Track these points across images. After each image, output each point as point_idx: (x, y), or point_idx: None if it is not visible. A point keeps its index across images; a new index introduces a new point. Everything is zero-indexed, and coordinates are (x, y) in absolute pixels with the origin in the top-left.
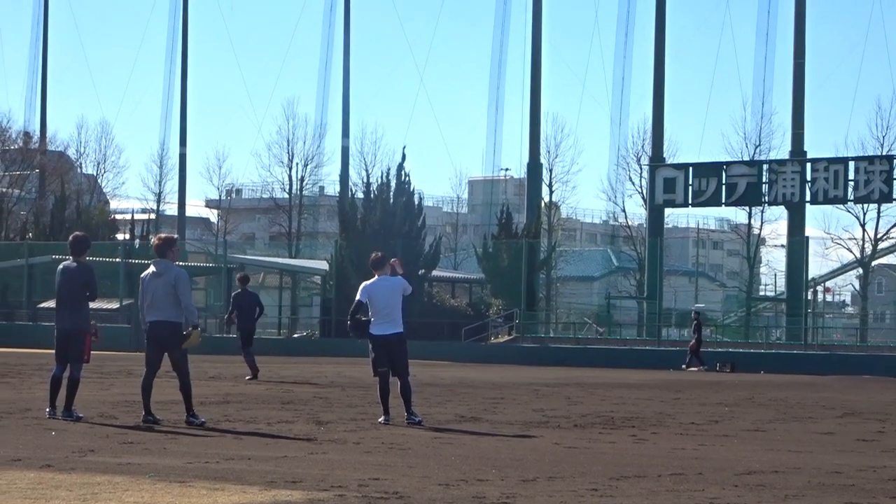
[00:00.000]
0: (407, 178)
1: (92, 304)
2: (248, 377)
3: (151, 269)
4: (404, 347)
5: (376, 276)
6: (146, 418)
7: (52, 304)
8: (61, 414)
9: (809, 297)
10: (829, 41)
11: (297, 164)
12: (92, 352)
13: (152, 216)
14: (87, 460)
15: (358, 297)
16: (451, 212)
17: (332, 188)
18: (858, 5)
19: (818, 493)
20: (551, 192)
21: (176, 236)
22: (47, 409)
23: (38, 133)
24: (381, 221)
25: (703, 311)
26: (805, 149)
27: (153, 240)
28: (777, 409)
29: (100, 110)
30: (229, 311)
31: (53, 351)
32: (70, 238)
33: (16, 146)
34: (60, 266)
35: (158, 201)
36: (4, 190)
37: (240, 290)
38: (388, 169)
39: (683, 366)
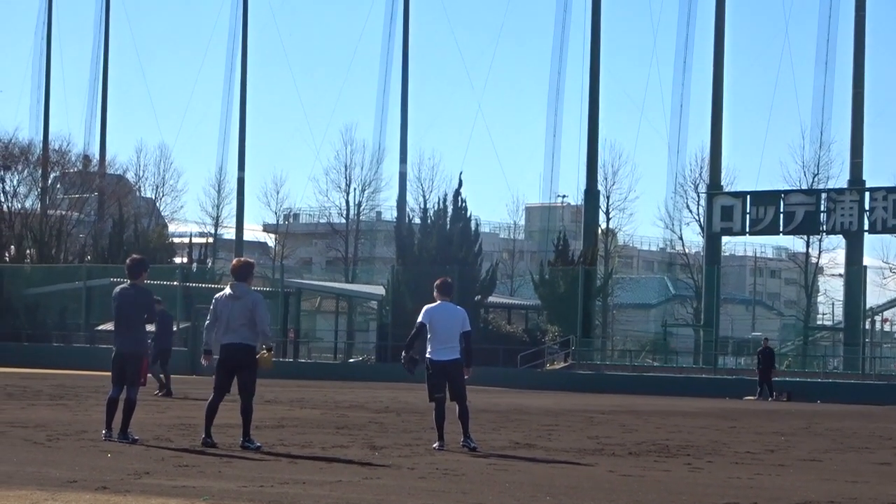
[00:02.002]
0: (464, 204)
1: (149, 328)
2: (159, 392)
3: (228, 291)
4: (462, 374)
5: (439, 301)
6: (205, 440)
7: (109, 326)
8: (117, 436)
9: (867, 327)
10: (889, 69)
11: (354, 189)
12: (149, 374)
13: (210, 240)
14: (142, 482)
15: (420, 318)
16: (507, 238)
17: (389, 213)
18: None
19: None
20: (608, 219)
21: (253, 261)
22: (104, 432)
23: (97, 156)
24: (438, 247)
25: (759, 340)
26: (864, 178)
27: (233, 262)
28: (833, 439)
29: (159, 134)
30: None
31: (110, 373)
32: (128, 261)
33: (75, 169)
34: (117, 289)
35: (216, 225)
36: (64, 213)
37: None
38: (445, 194)
39: (753, 397)
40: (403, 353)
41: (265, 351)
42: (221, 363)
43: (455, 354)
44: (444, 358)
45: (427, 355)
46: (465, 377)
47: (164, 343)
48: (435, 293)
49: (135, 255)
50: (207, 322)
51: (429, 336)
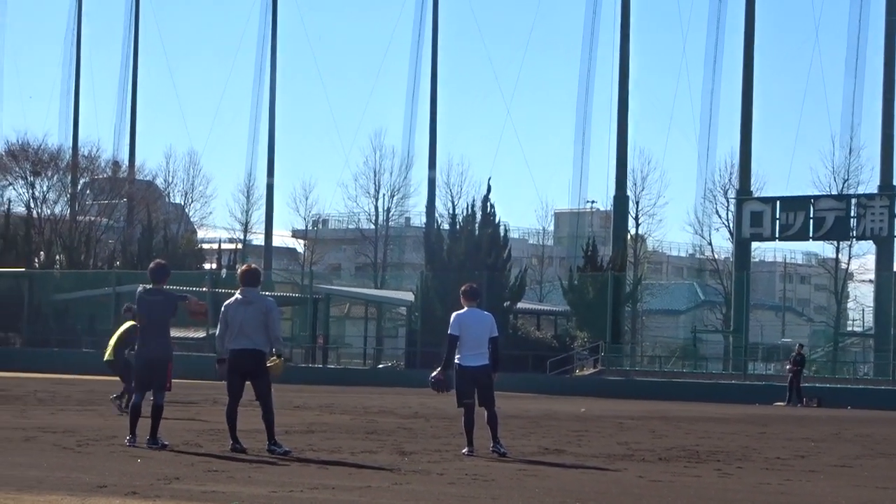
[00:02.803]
0: (492, 210)
1: (178, 333)
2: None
3: (238, 296)
4: (492, 379)
5: (467, 308)
6: (234, 446)
7: None
8: (147, 441)
9: None
10: None
11: (383, 195)
12: (179, 379)
13: (239, 246)
14: (171, 488)
15: (451, 331)
16: (536, 244)
17: (418, 219)
18: None
19: None
20: (637, 225)
21: (259, 268)
22: (127, 438)
23: (126, 162)
24: (467, 253)
25: (789, 346)
26: (894, 182)
27: (242, 268)
28: (864, 445)
29: (188, 140)
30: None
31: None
32: (151, 265)
33: (105, 175)
34: (142, 293)
35: (245, 231)
36: (93, 219)
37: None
38: (474, 200)
39: (782, 403)
40: (439, 370)
41: (276, 358)
42: (232, 368)
43: (484, 360)
44: (474, 364)
45: (456, 361)
46: (493, 380)
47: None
48: (462, 300)
49: (158, 260)
50: (218, 331)
51: (458, 343)
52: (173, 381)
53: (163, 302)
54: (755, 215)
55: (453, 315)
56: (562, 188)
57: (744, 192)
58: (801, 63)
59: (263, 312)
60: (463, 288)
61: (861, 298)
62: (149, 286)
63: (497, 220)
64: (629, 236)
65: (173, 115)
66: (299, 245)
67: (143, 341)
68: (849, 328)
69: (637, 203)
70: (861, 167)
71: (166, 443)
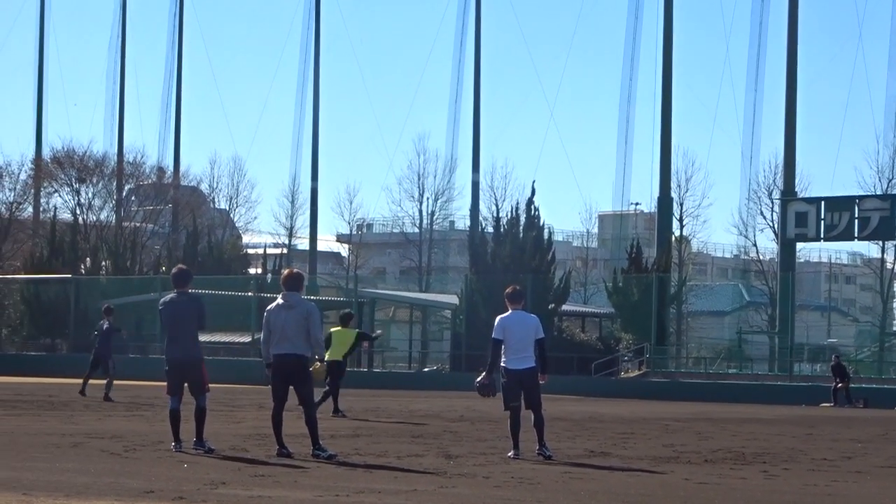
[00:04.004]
0: (536, 213)
1: (224, 338)
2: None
3: (279, 301)
4: (538, 382)
5: (510, 311)
6: (280, 451)
7: None
8: (193, 444)
9: None
10: None
11: (427, 198)
12: (224, 384)
13: (284, 251)
14: (218, 493)
15: (494, 335)
16: (580, 246)
17: (462, 223)
18: None
19: None
20: (682, 227)
21: (302, 272)
22: (173, 444)
23: (171, 168)
24: (511, 256)
25: (835, 346)
26: None
27: (284, 273)
28: None
29: (232, 145)
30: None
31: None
32: (174, 270)
33: (150, 181)
34: (166, 298)
35: (290, 235)
36: (138, 224)
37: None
38: (518, 203)
39: (829, 404)
40: (484, 375)
41: (318, 362)
42: (276, 373)
43: (530, 363)
44: (520, 367)
45: (503, 364)
46: (542, 383)
47: (103, 351)
48: (507, 302)
49: (181, 266)
50: (263, 336)
51: (503, 346)
52: (218, 385)
53: (186, 305)
54: (800, 216)
55: (497, 318)
56: (605, 190)
57: (788, 192)
58: (845, 62)
59: (304, 316)
60: (507, 290)
61: None
62: (173, 292)
63: (541, 223)
64: (673, 238)
65: (218, 120)
66: (344, 249)
67: (171, 344)
68: (895, 328)
69: (681, 204)
70: None
71: (213, 447)
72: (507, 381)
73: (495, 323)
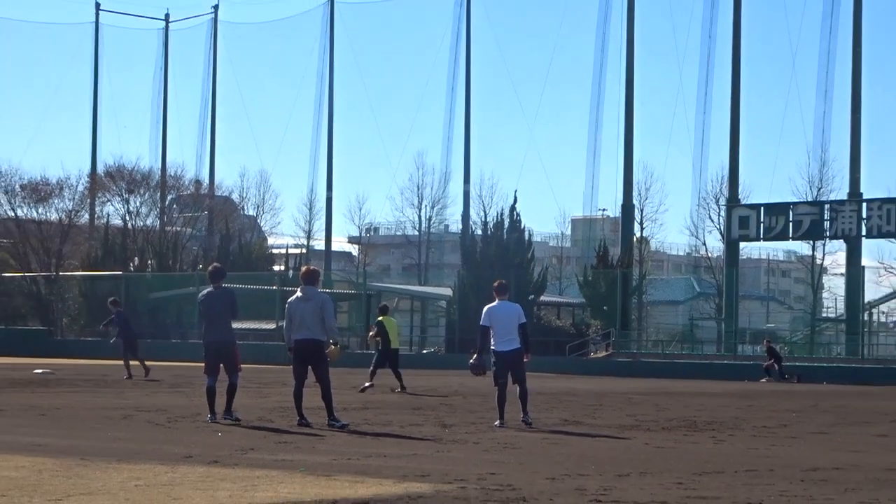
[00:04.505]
0: (518, 217)
1: (251, 325)
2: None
3: (299, 294)
4: (522, 361)
5: (497, 301)
6: (300, 422)
7: None
8: (223, 415)
9: (866, 319)
10: (883, 92)
11: (425, 205)
12: (252, 364)
13: (303, 251)
14: (247, 457)
15: (482, 322)
16: (556, 246)
17: (455, 226)
18: None
19: (874, 487)
20: (642, 229)
21: (318, 268)
22: (208, 416)
23: (207, 181)
24: (497, 254)
25: (773, 331)
26: (861, 190)
27: (302, 269)
28: (838, 415)
29: (259, 161)
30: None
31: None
32: (210, 268)
33: (188, 192)
34: (204, 292)
35: (308, 238)
36: (179, 229)
37: (114, 312)
38: (503, 209)
39: (765, 379)
40: (475, 356)
41: (333, 345)
42: (296, 356)
43: (515, 345)
44: (506, 349)
45: (492, 347)
46: (526, 360)
47: (129, 335)
48: (494, 294)
49: (216, 264)
50: (285, 324)
51: (492, 332)
52: (247, 366)
53: (220, 297)
54: (743, 219)
55: (485, 308)
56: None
57: (733, 199)
58: (782, 85)
59: (320, 307)
60: (494, 284)
61: (834, 289)
62: (210, 287)
63: (522, 226)
64: (635, 238)
65: (247, 139)
66: (354, 249)
67: (208, 331)
68: (824, 314)
69: (641, 210)
70: (833, 177)
71: (239, 417)
72: (495, 362)
73: (483, 312)
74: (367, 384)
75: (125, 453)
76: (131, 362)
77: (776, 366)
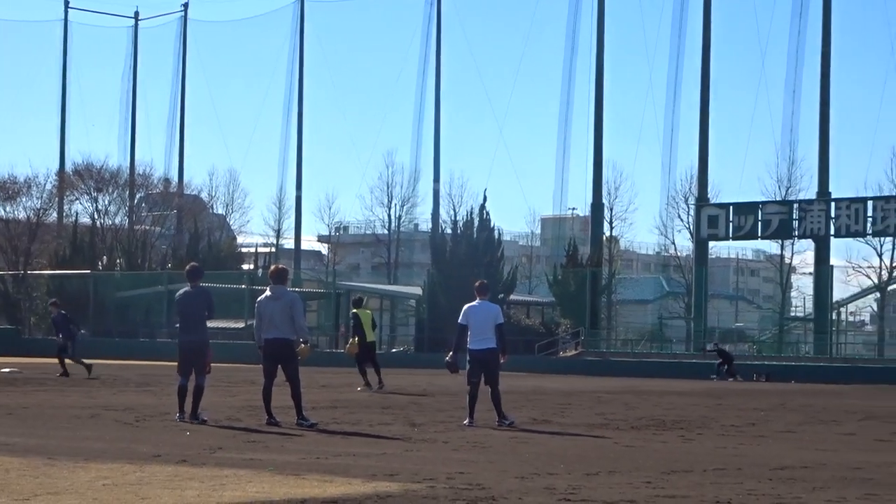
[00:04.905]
0: (488, 217)
1: (220, 324)
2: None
3: (268, 293)
4: (497, 361)
5: (477, 300)
6: (269, 421)
7: None
8: (189, 417)
9: (834, 318)
10: (851, 92)
11: (395, 204)
12: (221, 363)
13: (272, 249)
14: (216, 456)
15: (460, 321)
16: (525, 245)
17: (425, 225)
18: (878, 63)
19: (841, 485)
20: (611, 228)
21: (286, 267)
22: (177, 415)
23: (176, 179)
24: (467, 253)
25: (741, 330)
26: (830, 189)
27: (271, 268)
28: (806, 414)
29: (228, 159)
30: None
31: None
32: (187, 267)
33: (157, 190)
34: (181, 291)
35: (277, 237)
36: (148, 228)
37: (54, 313)
38: (472, 208)
39: (714, 377)
40: (451, 354)
41: (303, 344)
42: (266, 355)
43: (489, 344)
44: (479, 347)
45: (468, 346)
46: (502, 361)
47: (67, 334)
48: (475, 293)
49: (193, 263)
50: (255, 323)
51: (469, 331)
52: (215, 365)
53: (196, 297)
54: (712, 218)
55: (464, 307)
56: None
57: (702, 199)
58: (750, 87)
59: (288, 305)
60: (475, 284)
61: (802, 288)
62: (187, 286)
63: (492, 225)
64: (604, 237)
65: (216, 138)
66: (324, 248)
67: (183, 331)
68: (792, 314)
69: (611, 209)
70: (801, 176)
71: (206, 418)
72: (469, 360)
73: (462, 311)
74: (360, 387)
75: (93, 452)
76: (67, 361)
77: (726, 365)
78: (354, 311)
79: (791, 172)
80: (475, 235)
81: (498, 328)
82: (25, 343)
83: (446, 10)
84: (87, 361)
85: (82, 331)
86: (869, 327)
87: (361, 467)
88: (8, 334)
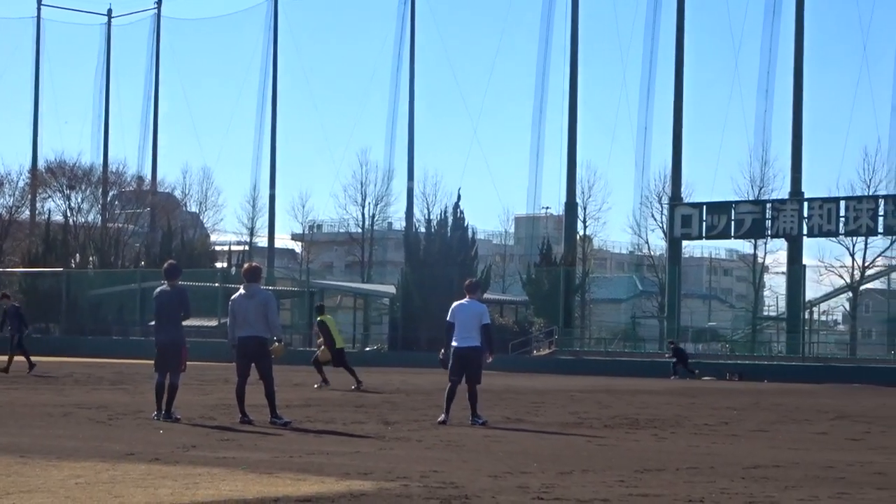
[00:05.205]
0: (462, 215)
1: (193, 322)
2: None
3: (242, 291)
4: (478, 360)
5: (466, 299)
6: (242, 419)
7: None
8: (163, 416)
9: (806, 317)
10: (824, 95)
11: (369, 203)
12: (195, 361)
13: (246, 248)
14: (189, 455)
15: (448, 318)
16: (499, 244)
17: (399, 224)
18: (850, 64)
19: (814, 484)
20: (585, 227)
21: (260, 265)
22: (153, 414)
23: (149, 177)
24: (440, 252)
25: (714, 329)
26: (802, 189)
27: (244, 267)
28: (778, 413)
29: (202, 157)
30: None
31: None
32: (165, 265)
33: (130, 188)
34: (158, 289)
35: (251, 235)
36: (121, 225)
37: (6, 306)
38: (446, 207)
39: (673, 377)
40: (443, 351)
41: (276, 342)
42: (240, 353)
43: (472, 343)
44: (462, 345)
45: (452, 343)
46: (488, 360)
47: (16, 327)
48: (465, 291)
49: (171, 261)
50: (228, 321)
51: (454, 328)
52: (189, 363)
53: (173, 296)
54: (685, 218)
55: (452, 305)
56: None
57: (675, 198)
58: (723, 87)
59: (263, 304)
60: (465, 282)
61: (775, 288)
62: (164, 283)
63: (465, 224)
64: (578, 237)
65: (189, 136)
66: (297, 246)
67: (159, 330)
68: (765, 313)
69: (584, 208)
70: (774, 176)
71: (179, 417)
72: (452, 357)
73: (450, 309)
74: (316, 385)
75: (66, 451)
76: (15, 357)
77: (682, 364)
78: (320, 318)
79: (764, 172)
80: (449, 234)
81: (484, 328)
82: None
83: (420, 9)
84: (33, 358)
85: (28, 328)
86: (841, 327)
87: (335, 466)
88: None
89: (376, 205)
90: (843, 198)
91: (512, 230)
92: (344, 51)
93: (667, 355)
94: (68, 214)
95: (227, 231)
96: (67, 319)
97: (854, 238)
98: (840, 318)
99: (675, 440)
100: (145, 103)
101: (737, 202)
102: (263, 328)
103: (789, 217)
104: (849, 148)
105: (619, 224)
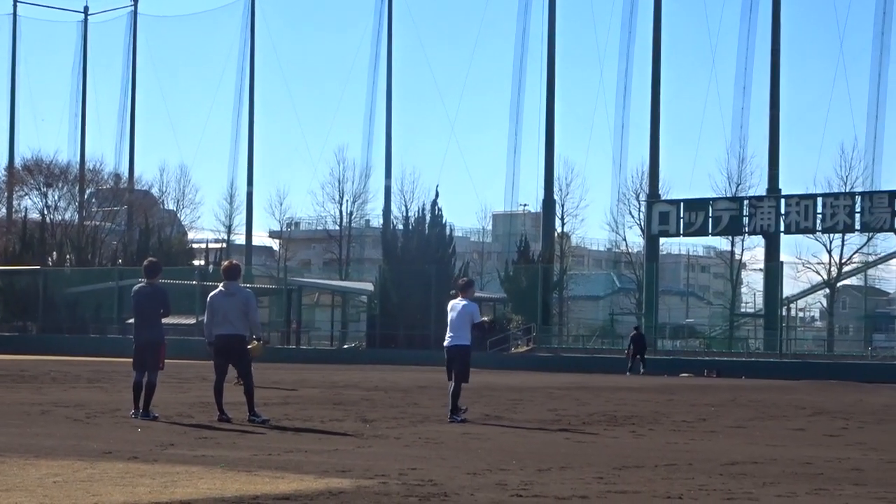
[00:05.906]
0: (440, 213)
1: (171, 320)
2: None
3: (221, 289)
4: (465, 358)
5: (459, 298)
6: (220, 417)
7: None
8: (140, 415)
9: (784, 314)
10: (800, 92)
11: (346, 200)
12: (173, 359)
13: (223, 245)
14: (167, 453)
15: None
16: (477, 241)
17: (377, 221)
18: (827, 62)
19: (791, 480)
20: (563, 224)
21: (239, 263)
22: (132, 412)
23: (126, 175)
24: (418, 249)
25: (692, 325)
26: (780, 186)
27: (224, 264)
28: (756, 409)
29: (179, 155)
30: None
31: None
32: (145, 262)
33: (108, 186)
34: (136, 287)
35: (229, 232)
36: (98, 223)
37: None
38: (424, 205)
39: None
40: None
41: (256, 341)
42: (217, 351)
43: (458, 341)
44: (450, 344)
45: (444, 343)
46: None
47: None
48: (458, 292)
49: (151, 258)
50: (206, 319)
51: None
52: (167, 361)
53: (152, 295)
54: (663, 215)
55: (448, 304)
56: (498, 193)
57: (653, 195)
58: (700, 84)
59: (243, 302)
60: (459, 281)
61: (752, 284)
62: (143, 281)
63: (443, 222)
64: (556, 234)
65: (166, 133)
66: (275, 244)
67: (137, 328)
68: (742, 310)
69: (562, 205)
70: (751, 173)
71: (157, 415)
72: (446, 355)
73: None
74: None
75: (43, 449)
76: None
77: (637, 355)
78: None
79: (741, 169)
80: (427, 231)
81: (477, 326)
82: None
83: (398, 6)
84: None
85: None
86: (818, 323)
87: (313, 464)
88: None
89: (354, 202)
90: (820, 195)
91: (490, 227)
92: (321, 48)
93: (627, 351)
94: (45, 212)
95: (204, 229)
96: (44, 317)
97: (831, 235)
98: (817, 315)
99: (653, 437)
100: (122, 101)
101: (714, 199)
102: (242, 326)
103: (766, 214)
104: (826, 145)
105: (597, 221)
